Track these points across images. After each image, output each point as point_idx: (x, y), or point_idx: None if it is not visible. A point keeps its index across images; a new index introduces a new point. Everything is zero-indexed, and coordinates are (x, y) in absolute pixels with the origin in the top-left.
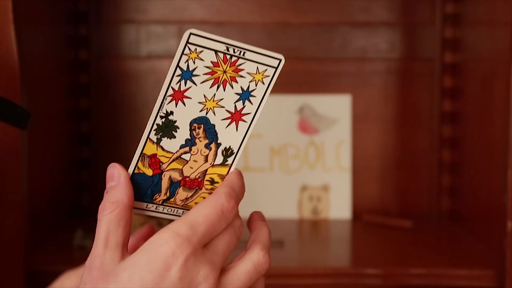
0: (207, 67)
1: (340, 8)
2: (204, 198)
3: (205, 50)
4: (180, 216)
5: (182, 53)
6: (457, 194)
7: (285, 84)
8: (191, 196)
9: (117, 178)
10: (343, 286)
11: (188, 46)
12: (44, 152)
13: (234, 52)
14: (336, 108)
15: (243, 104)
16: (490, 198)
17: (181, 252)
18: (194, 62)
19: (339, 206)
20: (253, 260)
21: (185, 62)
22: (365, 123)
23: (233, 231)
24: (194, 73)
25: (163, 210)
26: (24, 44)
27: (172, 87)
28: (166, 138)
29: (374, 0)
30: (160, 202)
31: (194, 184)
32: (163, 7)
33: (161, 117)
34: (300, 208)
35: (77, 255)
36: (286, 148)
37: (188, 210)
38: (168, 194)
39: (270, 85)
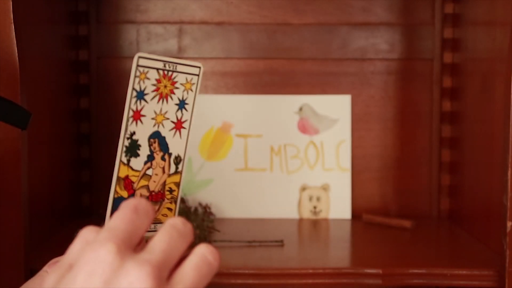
0: (153, 84)
1: (340, 8)
2: (168, 208)
3: (150, 70)
4: (153, 230)
5: (135, 76)
6: (457, 194)
7: (285, 84)
8: (158, 209)
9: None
10: (343, 286)
11: (138, 69)
12: (44, 152)
13: (169, 67)
14: (336, 108)
15: (182, 112)
16: (490, 198)
17: (106, 252)
18: (144, 82)
19: (339, 206)
20: (198, 253)
21: (137, 83)
22: (365, 123)
23: (173, 229)
24: (144, 92)
25: None
26: (24, 44)
27: (131, 109)
28: (133, 157)
29: (374, 0)
30: None
31: (158, 197)
32: (163, 7)
33: (127, 138)
34: (300, 208)
35: None
36: (286, 148)
37: (159, 223)
38: None
39: (197, 91)
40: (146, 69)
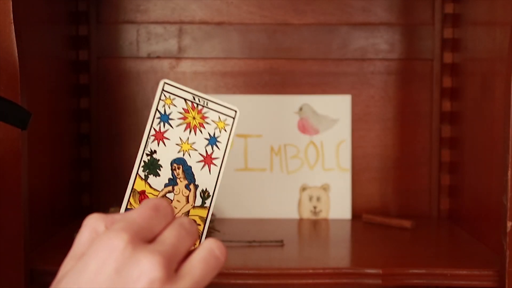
0: (180, 112)
1: (340, 9)
2: None
3: (177, 97)
4: None
5: (159, 99)
6: (457, 194)
7: (285, 84)
8: None
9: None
10: (343, 286)
11: (163, 93)
12: (44, 152)
13: (199, 101)
14: (336, 108)
15: (212, 149)
16: (490, 198)
17: (118, 241)
18: (169, 107)
19: (339, 206)
20: (206, 247)
21: (162, 107)
22: (365, 123)
23: (181, 226)
24: (170, 117)
25: None
26: (24, 44)
27: (154, 128)
28: (152, 175)
29: (374, 0)
30: None
31: None
32: (163, 7)
33: (147, 154)
34: (300, 208)
35: None
36: (286, 148)
37: None
38: None
39: (231, 133)
40: (173, 96)
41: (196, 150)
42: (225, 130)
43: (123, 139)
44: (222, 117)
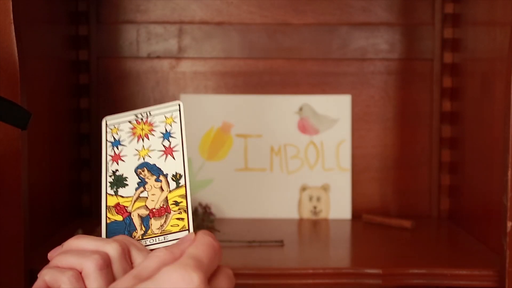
0: (128, 132)
1: (340, 8)
2: (178, 218)
3: (121, 124)
4: (163, 242)
5: (106, 133)
6: (457, 194)
7: (285, 84)
8: (165, 221)
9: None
10: (343, 286)
11: (108, 128)
12: (44, 152)
13: (142, 116)
14: (336, 108)
15: (169, 141)
16: (490, 198)
17: (195, 278)
18: (117, 134)
19: (339, 206)
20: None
21: (111, 136)
22: (365, 123)
23: (228, 274)
24: (120, 139)
25: (145, 243)
26: (24, 44)
27: (109, 155)
28: (120, 188)
29: (374, 0)
30: (140, 237)
31: (162, 212)
32: (163, 7)
33: (110, 176)
34: (300, 208)
35: None
36: (286, 148)
37: (169, 233)
38: (143, 228)
39: (182, 121)
40: (117, 125)
41: (154, 150)
42: (175, 122)
43: None
44: (168, 114)
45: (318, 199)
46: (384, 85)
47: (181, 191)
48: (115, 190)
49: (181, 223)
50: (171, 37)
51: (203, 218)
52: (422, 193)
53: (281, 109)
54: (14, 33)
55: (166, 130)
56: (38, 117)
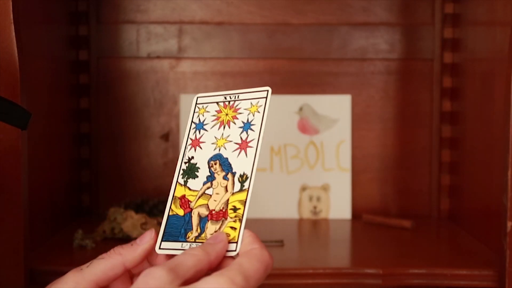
0: (213, 115)
1: (340, 8)
2: (231, 227)
3: (209, 104)
4: None
5: (194, 112)
6: (457, 194)
7: (285, 84)
8: (219, 228)
9: (142, 244)
10: (343, 286)
11: (197, 106)
12: (44, 152)
13: (230, 98)
14: (336, 108)
15: (247, 133)
16: (490, 198)
17: None
18: (203, 115)
19: (339, 206)
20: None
21: (197, 117)
22: (365, 123)
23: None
24: (204, 123)
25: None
26: (24, 44)
27: (190, 138)
28: (191, 179)
29: (374, 0)
30: (193, 240)
31: (220, 216)
32: (163, 7)
33: (185, 162)
34: (300, 208)
35: (77, 255)
36: (286, 148)
37: None
38: (198, 230)
39: (265, 111)
40: (205, 105)
41: (231, 141)
42: (258, 112)
43: (123, 139)
44: (254, 101)
45: (318, 199)
46: (384, 85)
47: (243, 195)
48: (185, 180)
49: (232, 234)
50: (171, 37)
51: None
52: (422, 193)
53: (281, 109)
54: (14, 33)
55: (248, 120)
56: (38, 117)
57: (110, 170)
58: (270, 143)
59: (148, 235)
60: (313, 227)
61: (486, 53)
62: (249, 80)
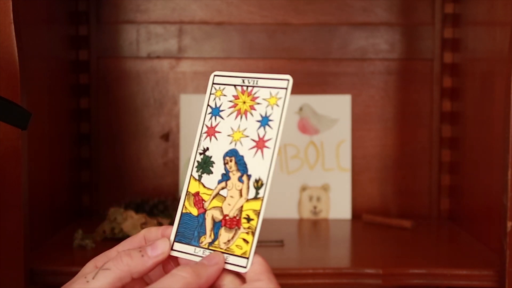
0: (230, 101)
1: (340, 9)
2: (243, 239)
3: (226, 86)
4: (226, 262)
5: (210, 93)
6: (457, 194)
7: None
8: (232, 237)
9: (153, 258)
10: (343, 286)
11: (214, 87)
12: (44, 152)
13: (249, 82)
14: (336, 108)
15: (264, 130)
16: (490, 198)
17: None
18: (219, 99)
19: (339, 206)
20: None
21: (213, 100)
22: (365, 123)
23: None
24: (220, 108)
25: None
26: (24, 44)
27: (205, 125)
28: (205, 174)
29: (374, 0)
30: (207, 246)
31: (233, 224)
32: (163, 7)
33: (200, 153)
34: (300, 208)
35: (77, 255)
36: (286, 148)
37: (230, 254)
38: (212, 236)
39: (285, 106)
40: (222, 86)
41: (247, 136)
42: (277, 105)
43: (123, 139)
44: (274, 91)
45: (318, 199)
46: (384, 85)
47: (257, 205)
48: (199, 174)
49: (244, 247)
50: (171, 37)
51: None
52: (422, 193)
53: None
54: (14, 33)
55: (266, 113)
56: (38, 117)
57: (110, 170)
58: None
59: (161, 247)
60: (313, 227)
61: (486, 53)
62: None
